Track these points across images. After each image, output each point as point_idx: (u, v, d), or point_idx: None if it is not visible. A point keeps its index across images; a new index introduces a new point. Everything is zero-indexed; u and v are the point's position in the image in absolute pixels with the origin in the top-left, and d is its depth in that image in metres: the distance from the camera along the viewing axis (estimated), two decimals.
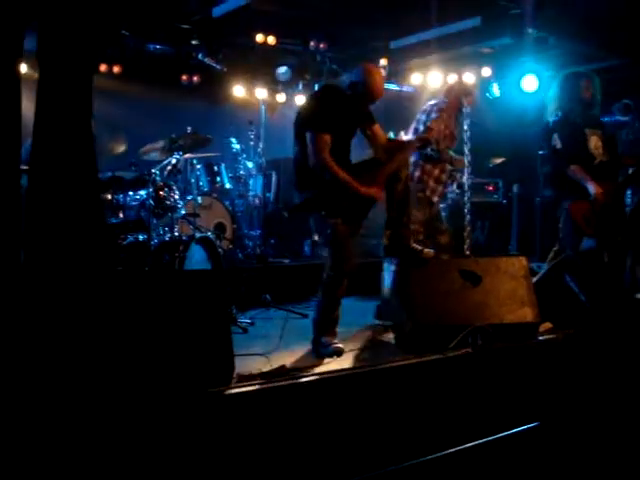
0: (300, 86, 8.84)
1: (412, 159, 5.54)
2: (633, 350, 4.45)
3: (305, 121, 4.27)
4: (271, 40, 8.08)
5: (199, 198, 6.62)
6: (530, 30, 7.27)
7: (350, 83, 4.32)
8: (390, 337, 4.51)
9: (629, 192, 6.45)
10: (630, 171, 5.63)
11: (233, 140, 8.08)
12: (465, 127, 5.88)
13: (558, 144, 5.30)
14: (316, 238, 4.42)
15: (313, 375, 3.52)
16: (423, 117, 5.72)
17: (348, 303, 4.65)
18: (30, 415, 2.57)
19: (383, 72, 4.36)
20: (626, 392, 4.15)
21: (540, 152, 8.22)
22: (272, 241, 7.87)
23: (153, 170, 5.50)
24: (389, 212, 4.39)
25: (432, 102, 5.87)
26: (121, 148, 7.01)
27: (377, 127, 4.53)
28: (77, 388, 2.72)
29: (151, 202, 5.35)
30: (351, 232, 4.28)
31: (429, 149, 5.35)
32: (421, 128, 5.53)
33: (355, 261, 4.30)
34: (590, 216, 5.18)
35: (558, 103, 5.44)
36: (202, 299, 3.23)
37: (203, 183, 7.40)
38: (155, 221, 5.52)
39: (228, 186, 7.71)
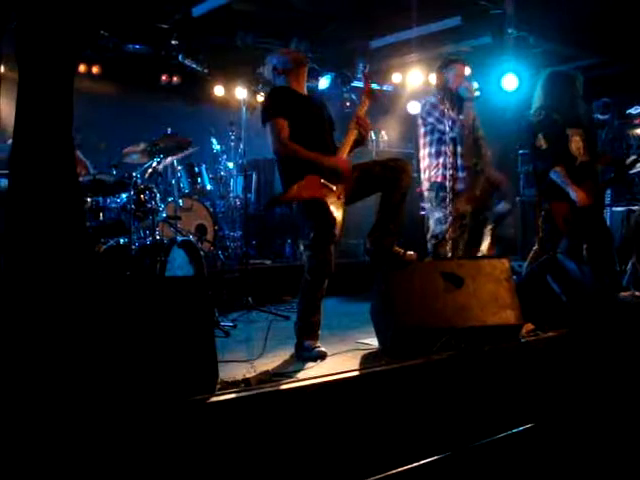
0: None
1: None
2: (615, 350, 4.48)
3: (262, 117, 4.30)
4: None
5: (180, 200, 6.59)
6: (510, 30, 7.29)
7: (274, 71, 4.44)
8: (374, 339, 4.49)
9: (608, 192, 6.50)
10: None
11: (214, 141, 8.06)
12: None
13: (543, 144, 5.29)
14: (301, 247, 4.38)
15: (297, 381, 3.48)
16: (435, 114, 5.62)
17: (330, 304, 4.64)
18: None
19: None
20: (610, 391, 4.18)
21: (520, 151, 8.28)
22: (253, 242, 7.85)
23: (134, 174, 5.45)
24: (378, 214, 4.34)
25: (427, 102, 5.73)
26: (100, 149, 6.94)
27: None
28: (56, 397, 2.68)
29: (132, 206, 5.29)
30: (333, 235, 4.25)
31: None
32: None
33: (334, 264, 4.27)
34: (570, 217, 5.21)
35: (540, 102, 5.43)
36: (185, 306, 3.19)
37: (184, 184, 7.36)
38: (136, 224, 5.46)
39: (209, 187, 7.69)
